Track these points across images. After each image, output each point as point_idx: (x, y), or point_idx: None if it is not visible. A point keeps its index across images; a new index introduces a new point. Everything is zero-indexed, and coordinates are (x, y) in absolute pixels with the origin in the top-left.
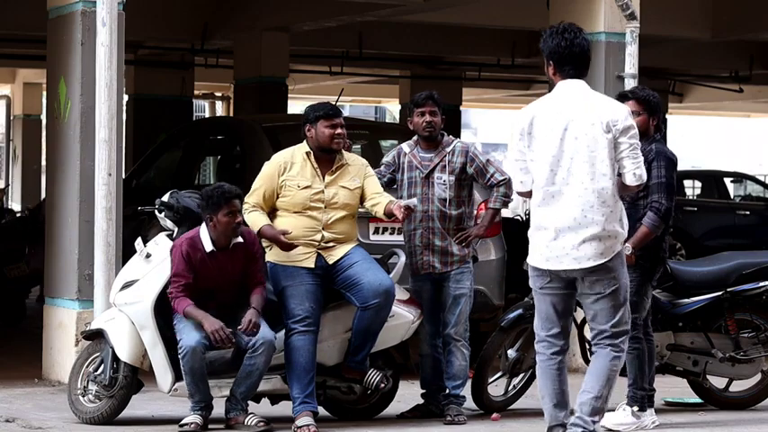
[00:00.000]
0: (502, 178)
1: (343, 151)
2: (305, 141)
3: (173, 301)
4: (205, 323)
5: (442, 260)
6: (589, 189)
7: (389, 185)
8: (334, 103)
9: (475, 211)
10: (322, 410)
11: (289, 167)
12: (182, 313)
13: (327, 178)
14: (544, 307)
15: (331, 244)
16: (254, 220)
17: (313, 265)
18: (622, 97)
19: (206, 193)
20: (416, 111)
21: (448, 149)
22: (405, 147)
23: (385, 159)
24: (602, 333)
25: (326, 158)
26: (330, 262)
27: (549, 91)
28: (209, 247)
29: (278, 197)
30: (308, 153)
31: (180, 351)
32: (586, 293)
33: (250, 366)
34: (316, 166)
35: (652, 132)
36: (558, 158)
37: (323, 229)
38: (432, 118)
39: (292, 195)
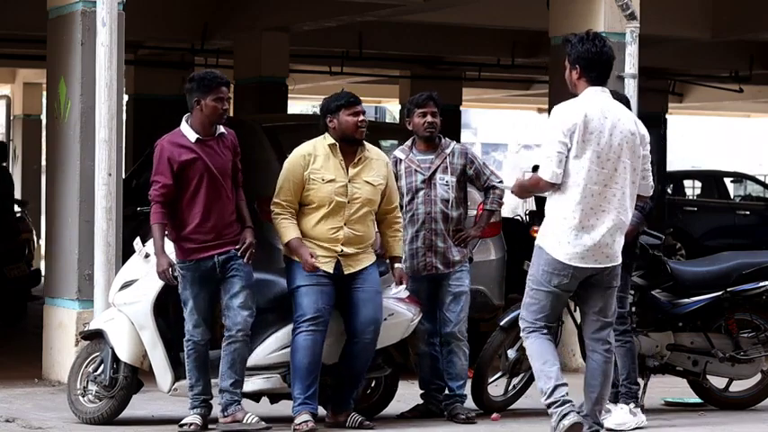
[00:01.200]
0: (498, 181)
1: (365, 143)
2: (326, 134)
3: (152, 206)
4: (158, 257)
5: (444, 261)
6: (627, 194)
7: None
8: None
9: (474, 212)
10: (321, 410)
11: (312, 160)
12: (152, 222)
13: (351, 171)
14: (551, 304)
15: (351, 250)
16: (284, 230)
17: (331, 270)
18: None
19: (197, 76)
20: (417, 111)
21: (448, 151)
22: (399, 153)
23: None
24: (607, 325)
25: (349, 150)
26: (346, 272)
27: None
28: (193, 136)
29: (303, 191)
30: (332, 145)
31: (186, 337)
32: (600, 289)
33: (231, 354)
34: (341, 158)
35: None
36: (604, 160)
37: (345, 224)
38: (433, 119)
39: (317, 189)
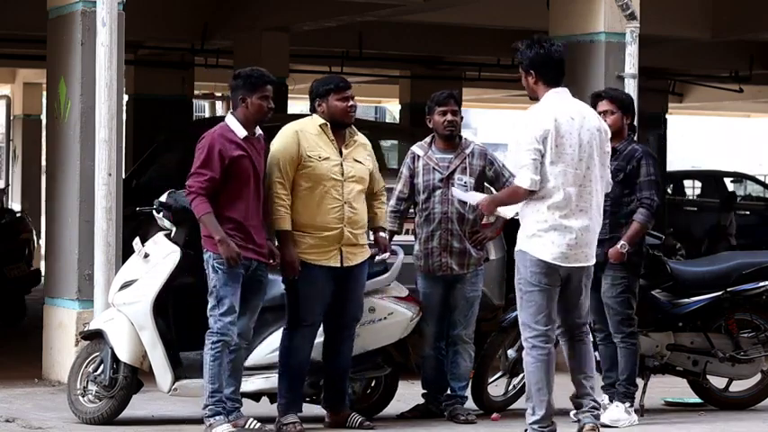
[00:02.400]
0: None
1: (353, 126)
2: (313, 115)
3: (192, 198)
4: (222, 246)
5: (459, 262)
6: (599, 191)
7: (403, 214)
8: None
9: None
10: (320, 410)
11: (304, 137)
12: (198, 215)
13: (344, 151)
14: (546, 302)
15: (351, 230)
16: (280, 218)
17: (338, 264)
18: (596, 97)
19: (243, 73)
20: (438, 110)
21: (467, 151)
22: (417, 150)
23: (402, 172)
24: (584, 324)
25: (339, 132)
26: (345, 265)
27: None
28: (242, 132)
29: (298, 169)
30: (324, 125)
31: (216, 339)
32: (579, 288)
33: (233, 362)
34: (332, 138)
35: (626, 132)
36: (577, 161)
37: (345, 203)
38: (453, 117)
39: (314, 167)
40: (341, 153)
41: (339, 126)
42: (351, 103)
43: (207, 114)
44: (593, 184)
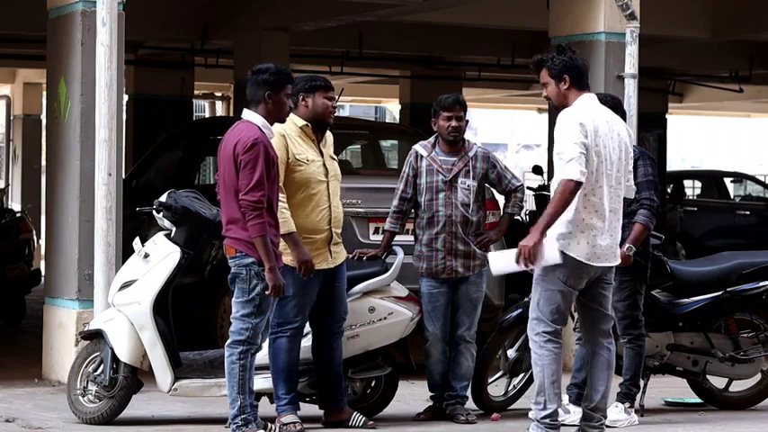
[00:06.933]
0: (519, 184)
1: None
2: (292, 114)
3: (255, 214)
4: (272, 274)
5: (465, 264)
6: (622, 195)
7: (406, 214)
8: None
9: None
10: (318, 410)
11: (290, 141)
12: (254, 235)
13: (323, 150)
14: (564, 302)
15: (337, 230)
16: (287, 221)
17: (328, 266)
18: None
19: (274, 69)
20: (443, 114)
21: (471, 154)
22: (420, 149)
23: (405, 171)
24: (609, 319)
25: (316, 132)
26: (331, 266)
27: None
28: (270, 133)
29: (287, 173)
30: (305, 126)
31: (244, 347)
32: (605, 286)
33: (252, 366)
34: (314, 138)
35: None
36: (610, 164)
37: (331, 204)
38: (458, 123)
39: (303, 170)
40: (321, 153)
41: (319, 125)
42: (334, 103)
43: (207, 114)
44: (622, 187)
